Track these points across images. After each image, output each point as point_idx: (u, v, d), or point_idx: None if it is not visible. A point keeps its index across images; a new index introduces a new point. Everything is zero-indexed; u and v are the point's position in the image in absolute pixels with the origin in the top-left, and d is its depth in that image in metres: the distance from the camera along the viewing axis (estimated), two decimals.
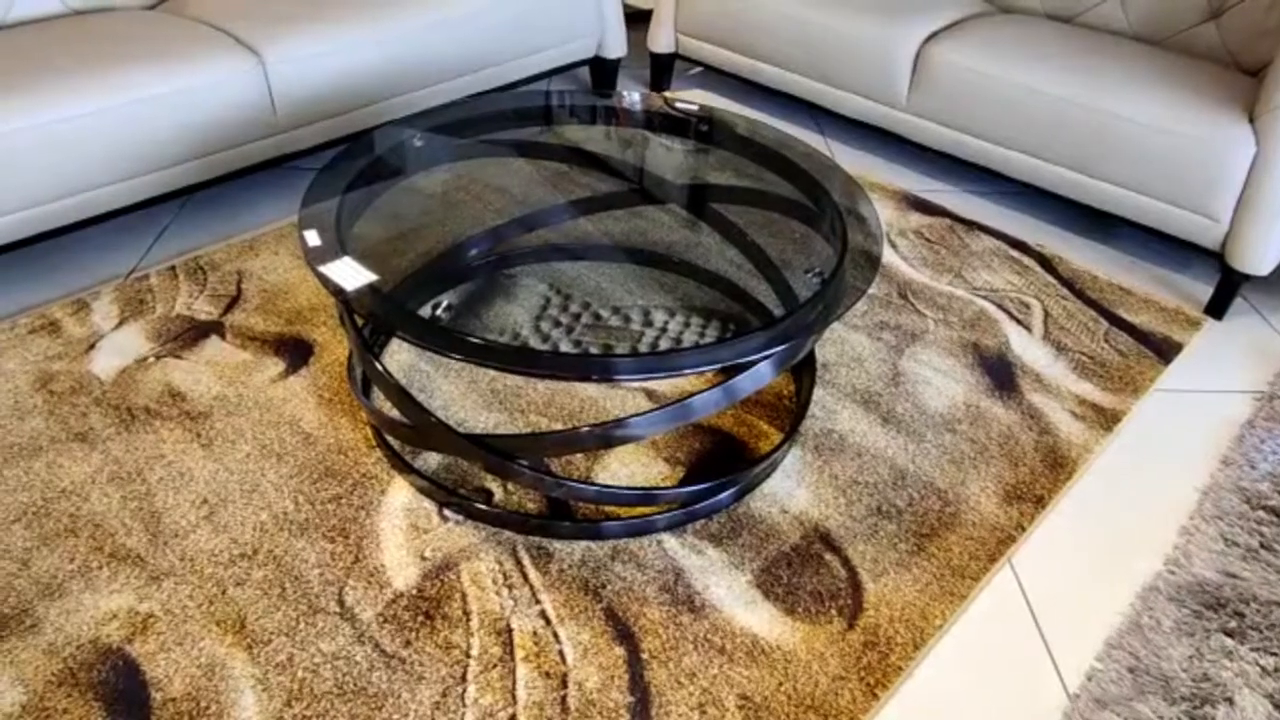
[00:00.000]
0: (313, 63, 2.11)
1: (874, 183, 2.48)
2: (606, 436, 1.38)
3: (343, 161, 1.70)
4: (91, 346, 1.77)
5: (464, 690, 1.24)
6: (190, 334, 1.82)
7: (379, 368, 1.38)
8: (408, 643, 1.30)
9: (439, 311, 1.38)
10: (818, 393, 1.77)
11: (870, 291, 2.07)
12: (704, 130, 2.01)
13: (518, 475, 1.40)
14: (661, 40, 2.87)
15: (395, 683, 1.25)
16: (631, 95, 2.12)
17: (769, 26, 2.61)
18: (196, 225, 2.18)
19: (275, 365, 1.75)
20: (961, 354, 1.89)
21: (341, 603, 1.34)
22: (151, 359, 1.75)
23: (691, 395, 1.38)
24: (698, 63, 2.87)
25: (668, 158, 2.06)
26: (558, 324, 1.85)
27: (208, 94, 1.96)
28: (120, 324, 1.83)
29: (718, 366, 1.31)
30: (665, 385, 1.79)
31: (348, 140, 2.23)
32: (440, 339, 1.29)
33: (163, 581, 1.36)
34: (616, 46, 2.79)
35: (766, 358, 1.38)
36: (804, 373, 1.76)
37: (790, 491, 1.56)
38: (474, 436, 1.39)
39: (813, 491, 1.56)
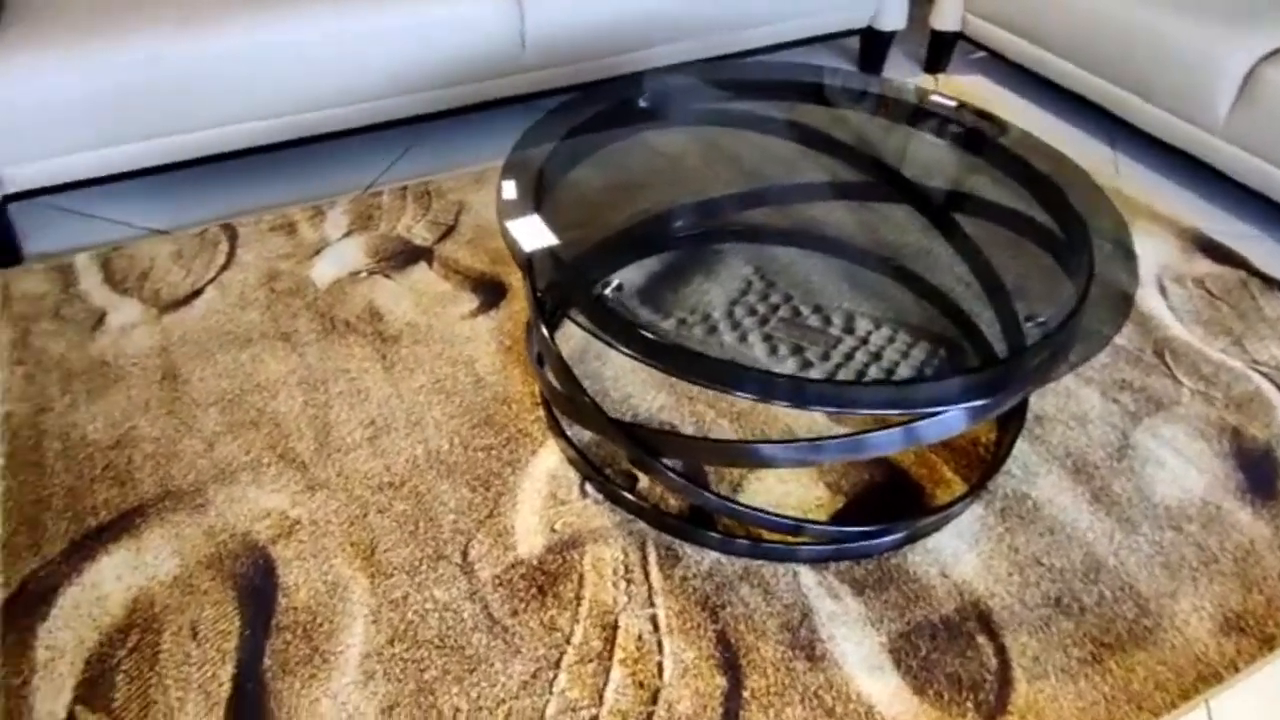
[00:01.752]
0: (571, 4, 2.09)
1: (1160, 214, 2.13)
2: (761, 457, 1.28)
3: (570, 110, 1.67)
4: (317, 253, 1.89)
5: (554, 677, 1.22)
6: (403, 256, 1.89)
7: (544, 333, 1.35)
8: (515, 612, 1.29)
9: (608, 291, 1.32)
10: (1021, 446, 1.56)
11: (1118, 341, 1.78)
12: (966, 129, 1.79)
13: (659, 474, 1.33)
14: (947, 17, 2.61)
15: (492, 650, 1.24)
16: (896, 78, 1.93)
17: (1077, 18, 2.29)
18: (436, 151, 2.26)
19: (469, 302, 1.79)
20: (1216, 438, 1.59)
21: (465, 555, 1.35)
22: (364, 274, 1.84)
23: (869, 431, 1.24)
24: (983, 47, 2.59)
25: (917, 153, 1.87)
26: (753, 312, 1.75)
27: (462, 26, 2.00)
28: (346, 235, 1.94)
29: (902, 414, 1.16)
30: None
31: (589, 87, 2.21)
32: (606, 325, 1.23)
33: (316, 492, 1.43)
34: (894, 18, 2.57)
35: (962, 409, 1.21)
36: (1010, 421, 1.55)
37: (958, 553, 1.39)
38: (623, 424, 1.33)
39: (984, 560, 1.38)
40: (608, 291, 1.28)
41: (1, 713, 1.15)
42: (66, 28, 1.73)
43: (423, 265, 1.87)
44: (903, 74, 2.67)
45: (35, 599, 1.27)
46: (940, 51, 2.69)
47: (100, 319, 1.71)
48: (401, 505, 1.42)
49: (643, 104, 1.78)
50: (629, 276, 1.79)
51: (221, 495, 1.42)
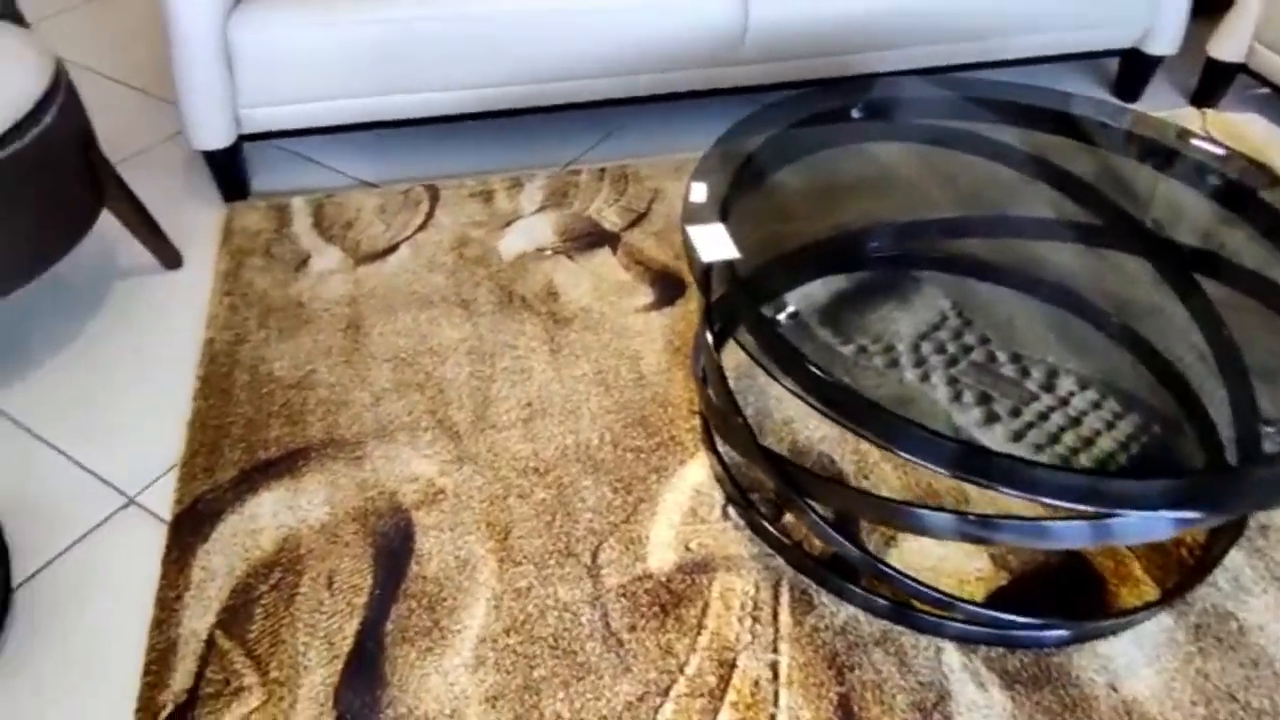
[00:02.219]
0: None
1: None
2: (922, 525, 1.16)
3: (783, 108, 1.59)
4: (508, 224, 1.91)
5: (660, 705, 1.17)
6: (589, 239, 1.88)
7: (709, 345, 1.29)
8: (633, 627, 1.25)
9: (781, 316, 1.24)
10: (1235, 556, 1.35)
11: None
12: (1229, 178, 1.56)
13: (804, 515, 1.24)
14: (1231, 44, 2.29)
15: (604, 662, 1.21)
16: (1155, 110, 1.71)
17: None
18: (641, 135, 2.24)
19: (646, 295, 1.75)
20: None
21: (594, 557, 1.33)
22: (549, 252, 1.85)
23: (1054, 518, 1.10)
24: (1268, 83, 2.26)
25: (1166, 199, 1.65)
26: (941, 350, 1.61)
27: (685, 10, 1.95)
28: (539, 210, 1.95)
29: (1091, 510, 1.01)
30: None
31: (805, 86, 2.11)
32: (771, 351, 1.16)
33: (464, 465, 1.44)
34: (1167, 41, 2.29)
35: (1172, 518, 1.04)
36: (1226, 524, 1.34)
37: (1133, 666, 1.22)
38: (774, 455, 1.26)
39: (1164, 680, 1.20)
40: (781, 316, 1.20)
41: (152, 621, 1.23)
42: None
43: (606, 251, 1.85)
44: (1164, 105, 2.38)
45: (201, 520, 1.36)
46: (1214, 83, 2.37)
47: (304, 262, 1.81)
48: (542, 494, 1.41)
49: (862, 110, 1.66)
50: (813, 292, 1.70)
51: (379, 452, 1.46)
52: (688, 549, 1.34)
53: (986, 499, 1.40)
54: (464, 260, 1.82)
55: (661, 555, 1.33)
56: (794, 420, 1.53)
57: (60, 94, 1.54)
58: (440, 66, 1.90)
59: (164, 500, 1.39)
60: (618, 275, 1.80)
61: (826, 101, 1.62)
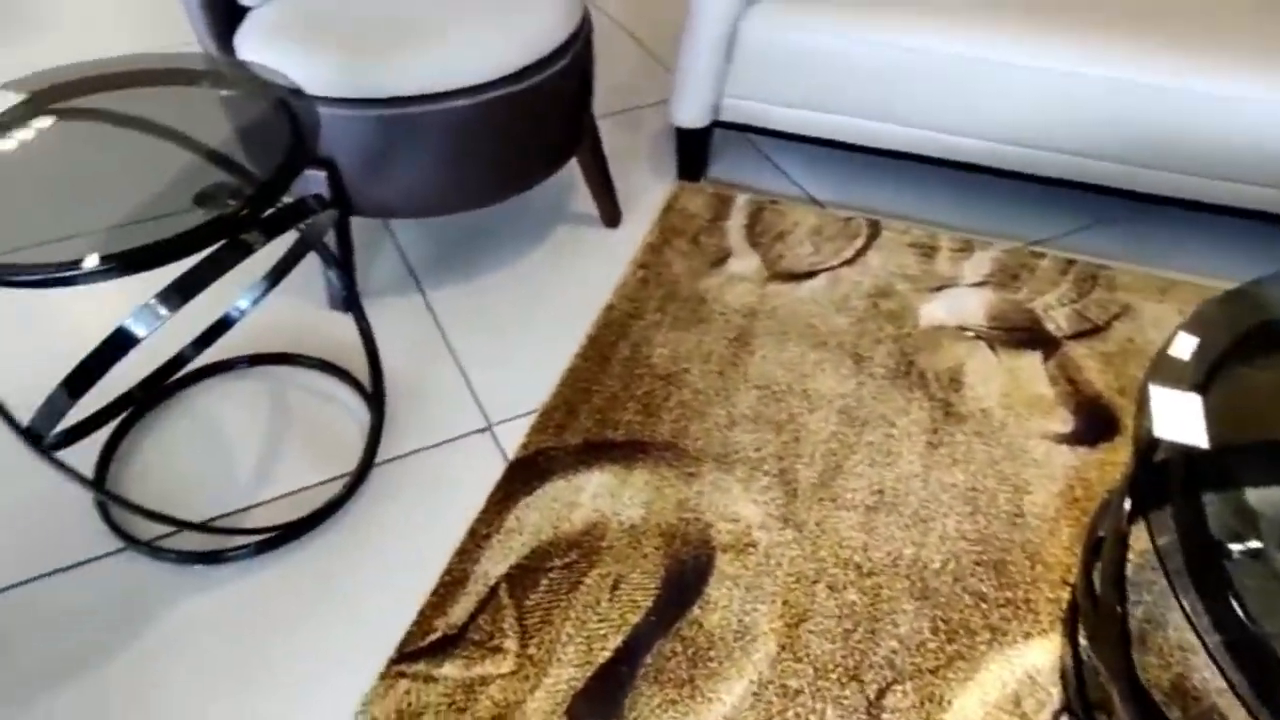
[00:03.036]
0: None
1: None
2: None
3: None
4: (939, 288, 1.73)
5: None
6: (1022, 334, 1.64)
7: (1122, 512, 1.03)
8: None
9: (1236, 548, 0.93)
10: None
11: None
12: None
13: None
14: None
15: None
16: None
17: None
18: (1131, 234, 1.90)
19: (1063, 422, 1.48)
20: None
21: (880, 695, 1.15)
22: (971, 334, 1.64)
23: None
24: None
25: None
26: None
27: (1235, 111, 1.58)
28: (979, 284, 1.74)
29: None
30: None
31: None
32: (1201, 588, 0.88)
33: (788, 527, 1.33)
34: None
35: None
36: None
37: None
38: (1140, 688, 0.98)
39: None
40: (1235, 548, 0.90)
41: (457, 548, 1.30)
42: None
43: (1037, 355, 1.60)
44: None
45: (533, 472, 1.41)
46: None
47: (723, 259, 1.79)
48: (855, 596, 1.25)
49: None
50: None
51: (711, 476, 1.40)
52: None
53: None
54: (876, 311, 1.68)
55: None
56: (1191, 652, 1.20)
57: (579, 42, 1.65)
58: (938, 106, 1.74)
59: (513, 439, 1.46)
60: (1039, 387, 1.54)
61: None
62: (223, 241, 1.00)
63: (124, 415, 1.49)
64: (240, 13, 1.55)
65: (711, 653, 1.19)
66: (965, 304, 1.70)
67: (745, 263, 1.79)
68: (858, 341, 1.62)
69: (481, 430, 1.49)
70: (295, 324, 1.67)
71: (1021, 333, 1.64)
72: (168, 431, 1.48)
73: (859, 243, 1.83)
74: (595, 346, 1.61)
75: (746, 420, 1.49)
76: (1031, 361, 1.59)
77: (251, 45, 1.49)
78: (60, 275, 0.94)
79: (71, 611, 1.25)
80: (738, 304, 1.69)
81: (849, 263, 1.79)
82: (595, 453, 1.43)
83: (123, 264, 0.95)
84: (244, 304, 1.46)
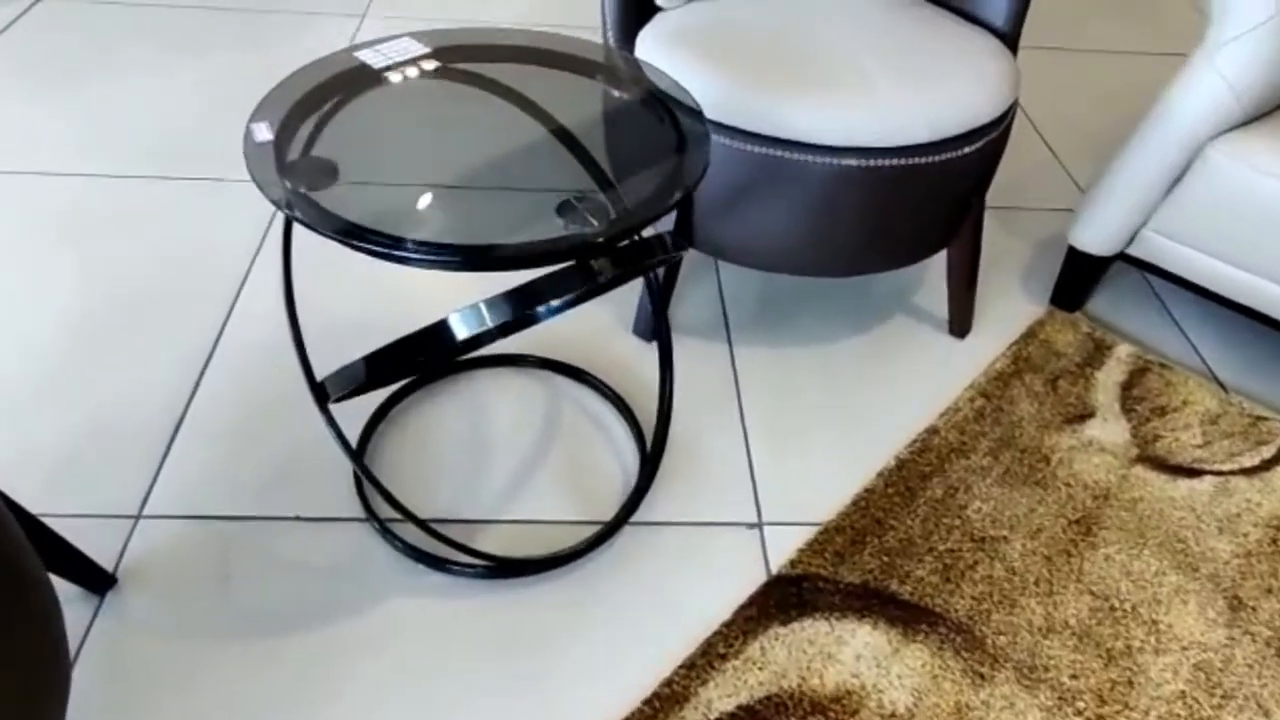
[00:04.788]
0: None
1: None
2: None
3: None
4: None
5: None
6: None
7: None
8: None
9: None
10: None
11: None
12: None
13: None
14: None
15: None
16: None
17: None
18: None
19: None
20: None
21: None
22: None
23: None
24: None
25: None
26: None
27: None
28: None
29: None
30: None
31: None
32: None
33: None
34: None
35: None
36: None
37: None
38: None
39: None
40: None
41: (682, 663, 1.12)
42: None
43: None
44: None
45: (795, 599, 1.19)
46: None
47: (1083, 417, 1.48)
48: None
49: None
50: None
51: (1006, 687, 1.12)
52: None
53: None
54: (1275, 550, 1.30)
55: None
56: None
57: (1001, 127, 1.41)
58: None
59: (782, 548, 1.26)
60: None
61: None
62: (570, 263, 0.87)
63: (406, 381, 1.44)
64: (651, 11, 1.46)
65: None
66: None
67: (1111, 430, 1.46)
68: (1240, 581, 1.26)
69: (751, 525, 1.30)
70: (594, 337, 1.57)
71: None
72: (437, 409, 1.42)
73: (1266, 453, 1.45)
74: (903, 474, 1.37)
75: (1069, 632, 1.18)
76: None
77: (652, 45, 1.38)
78: (399, 253, 0.85)
79: (298, 564, 1.20)
80: (1090, 478, 1.38)
81: (1249, 473, 1.41)
82: (872, 602, 1.20)
83: (465, 259, 0.84)
84: (555, 303, 1.36)
